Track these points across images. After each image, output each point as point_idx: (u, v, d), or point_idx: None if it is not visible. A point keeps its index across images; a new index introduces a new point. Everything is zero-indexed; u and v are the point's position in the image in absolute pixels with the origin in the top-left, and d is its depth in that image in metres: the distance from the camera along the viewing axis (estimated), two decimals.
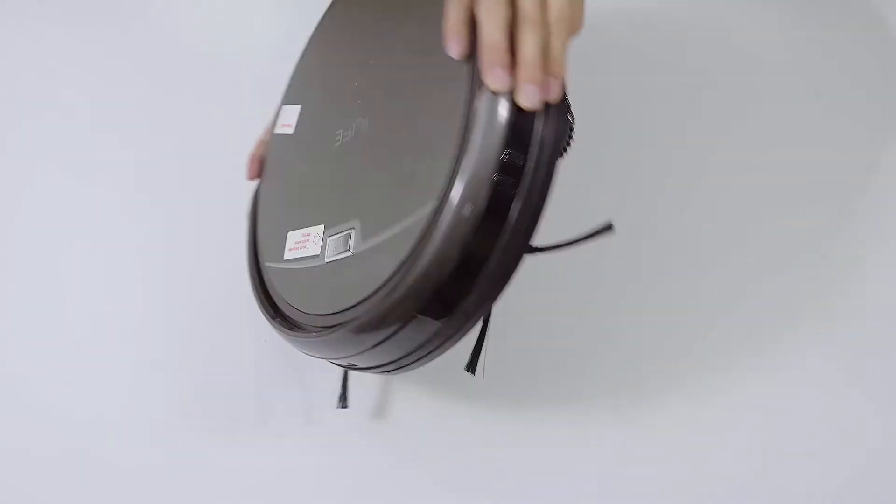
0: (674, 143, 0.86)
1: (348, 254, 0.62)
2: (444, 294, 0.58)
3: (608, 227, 0.63)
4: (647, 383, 0.76)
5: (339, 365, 0.68)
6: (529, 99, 0.57)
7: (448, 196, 0.56)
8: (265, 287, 0.71)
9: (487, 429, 0.74)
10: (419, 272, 0.57)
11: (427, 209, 0.57)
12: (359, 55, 0.71)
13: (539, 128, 0.57)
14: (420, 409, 0.76)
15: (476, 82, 0.58)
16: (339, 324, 0.60)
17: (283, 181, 0.72)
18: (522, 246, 0.59)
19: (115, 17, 1.03)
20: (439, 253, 0.56)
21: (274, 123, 0.78)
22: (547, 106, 0.57)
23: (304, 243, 0.65)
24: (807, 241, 0.80)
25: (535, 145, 0.57)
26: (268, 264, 0.69)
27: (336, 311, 0.61)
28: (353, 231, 0.63)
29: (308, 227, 0.66)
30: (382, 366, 0.64)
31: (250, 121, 0.90)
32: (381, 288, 0.58)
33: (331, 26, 0.77)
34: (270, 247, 0.70)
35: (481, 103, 0.57)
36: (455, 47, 0.60)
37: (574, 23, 0.61)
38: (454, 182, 0.56)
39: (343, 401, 0.73)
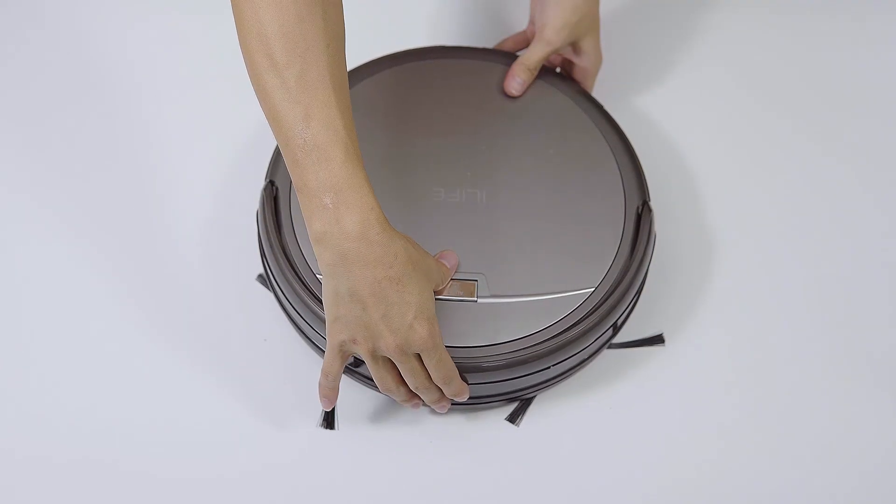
0: None
1: (472, 300, 0.74)
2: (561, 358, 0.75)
3: (660, 339, 0.83)
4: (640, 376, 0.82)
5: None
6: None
7: (605, 286, 0.74)
8: (308, 289, 0.76)
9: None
10: (573, 336, 0.72)
11: (588, 292, 0.74)
12: (457, 130, 0.83)
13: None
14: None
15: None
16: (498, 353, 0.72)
17: None
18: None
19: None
20: (591, 322, 0.74)
21: None
22: None
23: None
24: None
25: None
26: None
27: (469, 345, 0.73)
28: (476, 282, 0.73)
29: None
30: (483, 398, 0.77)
31: (246, 123, 0.93)
32: (541, 342, 0.73)
33: (395, 82, 0.85)
34: None
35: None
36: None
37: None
38: (610, 278, 0.75)
39: (329, 421, 0.79)
